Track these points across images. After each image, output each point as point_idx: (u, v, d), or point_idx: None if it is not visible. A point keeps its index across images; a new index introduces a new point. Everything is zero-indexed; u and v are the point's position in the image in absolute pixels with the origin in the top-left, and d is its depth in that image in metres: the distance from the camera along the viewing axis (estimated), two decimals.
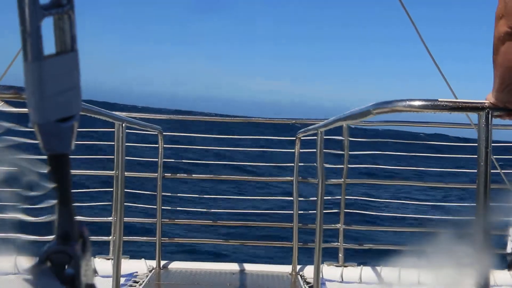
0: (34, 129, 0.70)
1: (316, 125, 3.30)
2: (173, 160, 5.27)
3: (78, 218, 0.78)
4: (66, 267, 0.74)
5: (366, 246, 4.98)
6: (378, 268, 4.20)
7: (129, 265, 4.14)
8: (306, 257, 4.43)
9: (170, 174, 4.66)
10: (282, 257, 4.76)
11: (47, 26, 0.70)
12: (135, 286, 3.96)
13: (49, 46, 0.70)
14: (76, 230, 0.77)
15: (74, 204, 0.76)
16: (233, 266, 4.39)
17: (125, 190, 3.43)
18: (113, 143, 3.81)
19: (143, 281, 4.02)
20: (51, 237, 0.75)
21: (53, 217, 0.74)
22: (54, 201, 0.74)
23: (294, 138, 4.36)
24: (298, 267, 4.32)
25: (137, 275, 4.15)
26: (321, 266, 3.52)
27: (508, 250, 4.21)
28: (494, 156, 3.21)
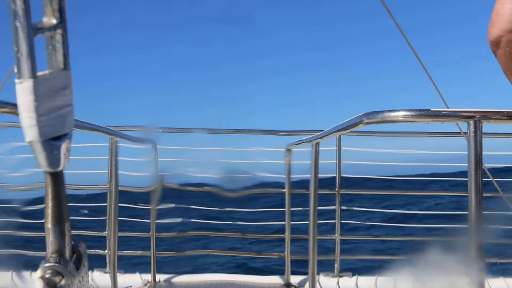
0: (30, 146, 0.70)
1: (310, 136, 3.34)
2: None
3: (75, 233, 0.79)
4: (59, 283, 0.75)
5: (362, 256, 5.01)
6: (373, 277, 4.22)
7: (124, 279, 4.15)
8: (299, 268, 4.45)
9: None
10: (275, 269, 4.76)
11: (41, 45, 0.70)
12: None
13: (42, 65, 0.71)
14: (69, 248, 0.77)
15: (69, 220, 0.76)
16: (227, 278, 4.41)
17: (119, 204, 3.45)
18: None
19: None
20: (45, 253, 0.76)
21: (47, 235, 0.75)
22: (49, 218, 0.75)
23: (284, 150, 4.40)
24: (291, 277, 4.34)
25: None
26: (316, 276, 3.54)
27: None
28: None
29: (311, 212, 3.21)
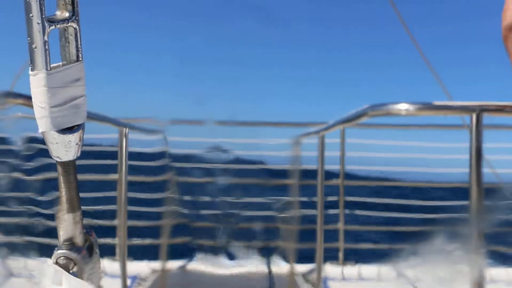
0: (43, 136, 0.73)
1: (317, 128, 3.40)
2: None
3: (86, 222, 0.84)
4: (71, 270, 0.78)
5: (365, 246, 5.08)
6: (376, 266, 4.30)
7: (133, 267, 4.22)
8: (303, 256, 4.52)
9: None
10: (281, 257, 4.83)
11: (54, 37, 0.72)
12: None
13: (56, 57, 0.73)
14: (81, 236, 0.80)
15: (81, 209, 0.79)
16: (235, 267, 4.48)
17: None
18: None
19: (147, 283, 4.11)
20: (59, 241, 0.79)
21: (60, 223, 0.78)
22: (61, 207, 0.77)
23: (291, 141, 4.45)
24: (297, 266, 4.41)
25: (141, 277, 4.23)
26: (322, 265, 3.62)
27: None
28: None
29: (319, 202, 3.28)
